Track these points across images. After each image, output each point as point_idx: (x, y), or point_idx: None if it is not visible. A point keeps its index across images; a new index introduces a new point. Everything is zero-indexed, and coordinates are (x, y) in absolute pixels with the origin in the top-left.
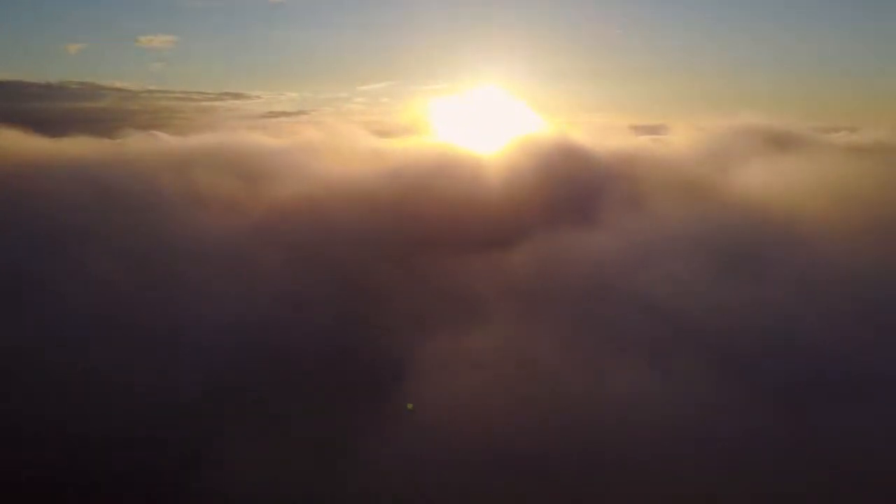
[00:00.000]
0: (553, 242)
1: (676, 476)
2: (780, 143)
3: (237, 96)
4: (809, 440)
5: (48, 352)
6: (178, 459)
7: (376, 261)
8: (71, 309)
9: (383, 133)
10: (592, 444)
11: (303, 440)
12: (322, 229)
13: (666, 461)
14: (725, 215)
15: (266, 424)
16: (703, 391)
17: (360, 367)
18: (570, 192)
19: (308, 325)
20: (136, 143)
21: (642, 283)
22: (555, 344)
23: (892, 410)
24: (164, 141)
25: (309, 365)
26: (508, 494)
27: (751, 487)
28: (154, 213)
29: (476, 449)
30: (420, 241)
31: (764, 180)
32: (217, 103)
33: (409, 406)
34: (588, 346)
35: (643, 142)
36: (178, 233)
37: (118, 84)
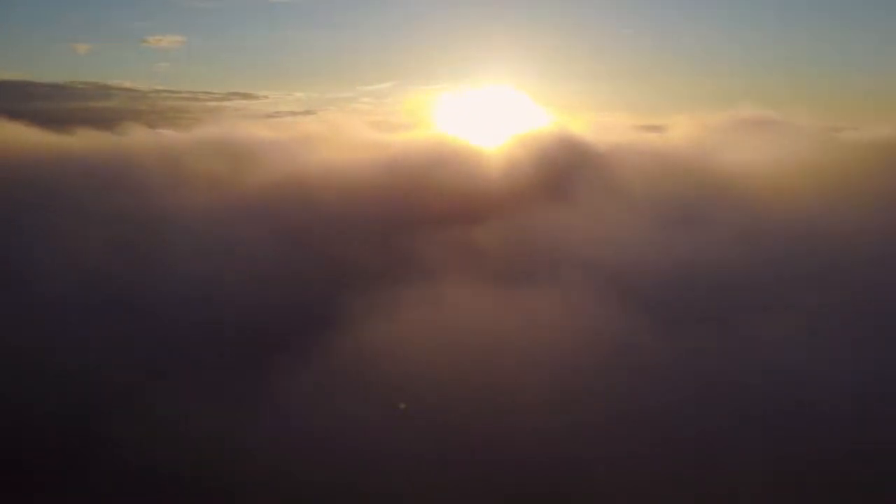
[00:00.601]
0: (524, 220)
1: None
2: (773, 132)
3: (245, 96)
4: None
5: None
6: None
7: (356, 238)
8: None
9: (387, 130)
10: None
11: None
12: (309, 211)
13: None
14: (701, 197)
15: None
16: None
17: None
18: (556, 176)
19: (276, 296)
20: (137, 137)
21: (595, 250)
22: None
23: None
24: (165, 135)
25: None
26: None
27: None
28: (149, 199)
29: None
30: (404, 222)
31: (750, 165)
32: (225, 103)
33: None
34: (527, 299)
35: (643, 137)
36: (171, 218)
37: (127, 84)
